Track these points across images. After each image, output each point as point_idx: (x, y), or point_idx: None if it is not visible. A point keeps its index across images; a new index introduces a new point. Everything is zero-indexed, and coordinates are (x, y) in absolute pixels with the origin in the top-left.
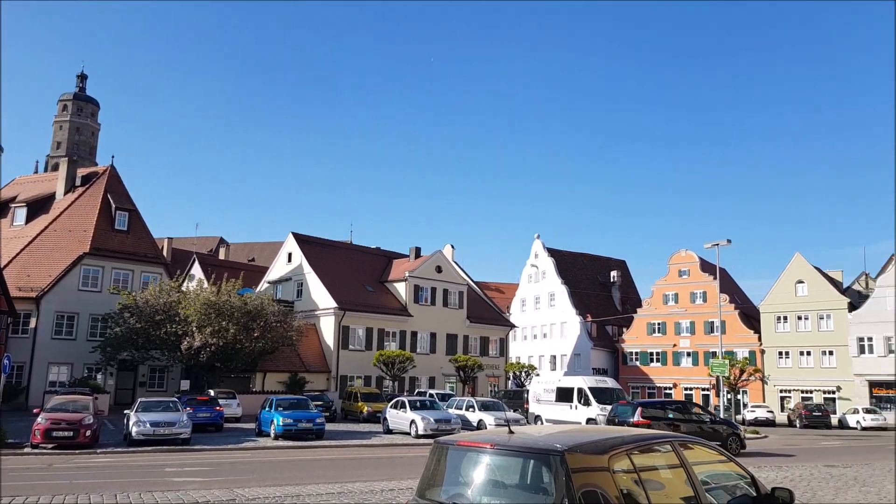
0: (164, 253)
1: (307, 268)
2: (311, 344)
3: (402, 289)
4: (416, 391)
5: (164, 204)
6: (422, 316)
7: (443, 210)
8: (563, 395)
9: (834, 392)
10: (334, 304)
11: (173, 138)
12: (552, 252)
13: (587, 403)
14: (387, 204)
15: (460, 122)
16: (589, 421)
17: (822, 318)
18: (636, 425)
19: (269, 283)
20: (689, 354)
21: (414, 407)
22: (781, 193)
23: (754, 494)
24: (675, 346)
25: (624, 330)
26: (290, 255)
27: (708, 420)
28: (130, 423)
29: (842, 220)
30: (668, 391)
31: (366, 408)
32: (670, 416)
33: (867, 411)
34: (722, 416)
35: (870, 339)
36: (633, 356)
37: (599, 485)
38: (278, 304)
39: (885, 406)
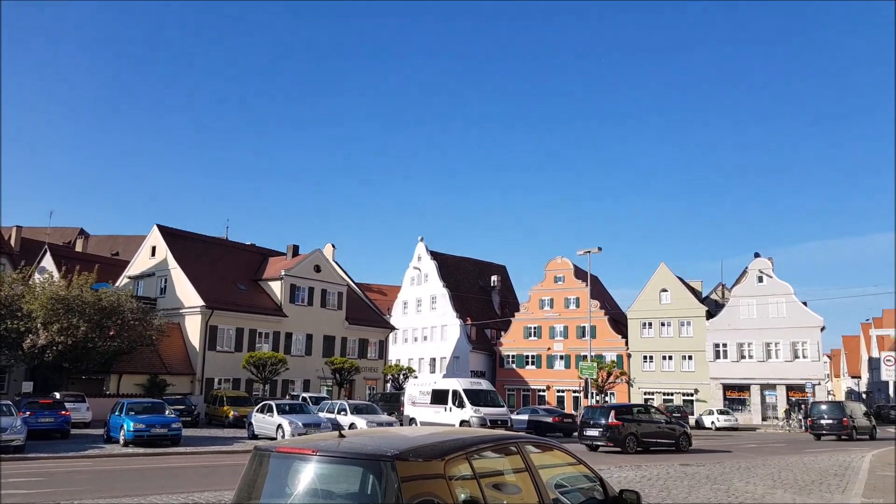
0: (12, 242)
1: (172, 263)
2: (174, 344)
3: (277, 288)
4: (289, 394)
5: (14, 189)
6: (298, 316)
7: (326, 210)
8: (438, 397)
9: (692, 394)
10: (201, 303)
11: (25, 118)
12: (435, 255)
13: (461, 405)
14: (266, 201)
15: (343, 120)
16: (462, 423)
17: (682, 324)
18: (611, 426)
19: (129, 278)
20: (562, 358)
21: (282, 411)
22: (651, 208)
23: (602, 497)
24: (549, 349)
25: (502, 333)
26: (154, 248)
27: (664, 421)
28: None
29: (704, 236)
30: (541, 393)
31: (232, 412)
32: (635, 416)
33: (721, 412)
34: None
35: (724, 344)
36: (510, 359)
37: (434, 493)
38: (138, 301)
39: (737, 408)
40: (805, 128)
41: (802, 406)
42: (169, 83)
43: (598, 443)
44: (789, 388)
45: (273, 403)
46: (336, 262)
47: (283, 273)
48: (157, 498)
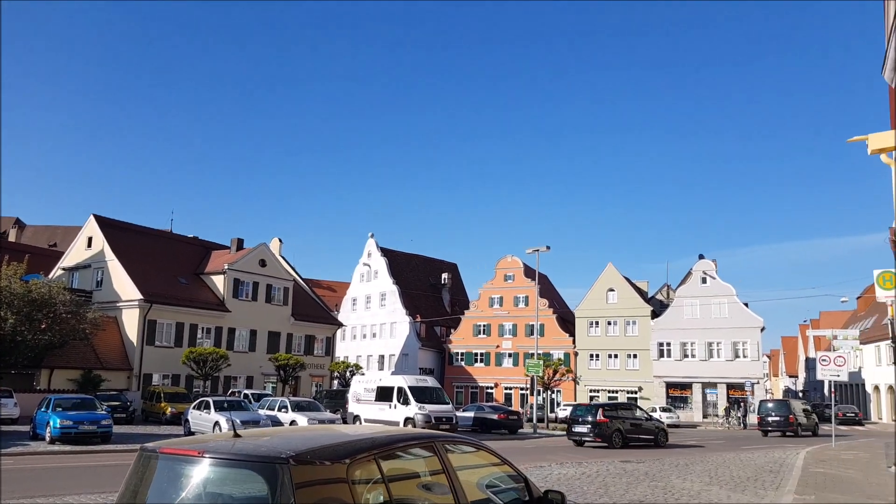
0: None
1: (109, 254)
2: (110, 339)
3: (220, 282)
4: (230, 391)
5: None
6: (241, 311)
7: (276, 204)
8: (383, 394)
9: (636, 392)
10: (139, 296)
11: None
12: (385, 252)
13: (406, 402)
14: (214, 195)
15: (294, 113)
16: (407, 420)
17: (628, 323)
18: (599, 423)
19: (63, 269)
20: (510, 355)
21: (220, 408)
22: (600, 210)
23: (526, 499)
24: (498, 347)
25: (452, 331)
26: (90, 239)
27: (644, 418)
28: None
29: (651, 238)
30: (489, 391)
31: (169, 409)
32: (620, 414)
33: (663, 410)
34: (535, 414)
35: (668, 344)
36: (459, 356)
37: (335, 498)
38: (71, 294)
39: (679, 405)
40: (747, 138)
41: (741, 404)
42: (111, 69)
43: (586, 439)
44: (730, 386)
45: (210, 400)
46: (283, 257)
47: (226, 267)
48: (73, 498)
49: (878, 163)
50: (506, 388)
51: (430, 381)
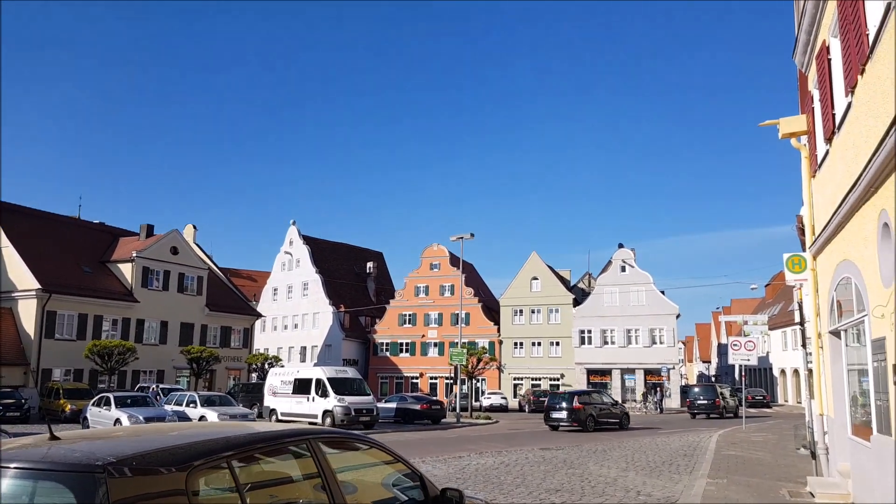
0: None
1: (4, 241)
2: (4, 332)
3: (127, 270)
4: (138, 386)
5: None
6: (151, 302)
7: (193, 190)
8: (301, 386)
9: (559, 379)
10: (37, 286)
11: None
12: (308, 240)
13: (325, 395)
14: (123, 180)
15: (211, 97)
16: (326, 413)
17: (551, 311)
18: (575, 409)
19: None
20: (436, 345)
21: (121, 403)
22: (524, 200)
23: (422, 499)
24: (423, 336)
25: (377, 321)
26: None
27: (611, 403)
28: None
29: (575, 229)
30: (414, 381)
31: (69, 406)
32: (592, 400)
33: None
34: (458, 403)
35: (589, 331)
36: (384, 347)
37: None
38: None
39: (601, 391)
40: (664, 131)
41: (658, 389)
42: (22, 48)
43: (563, 424)
44: (647, 372)
45: (111, 396)
46: (198, 245)
47: (134, 254)
48: None
49: (789, 154)
50: (431, 378)
51: (350, 372)
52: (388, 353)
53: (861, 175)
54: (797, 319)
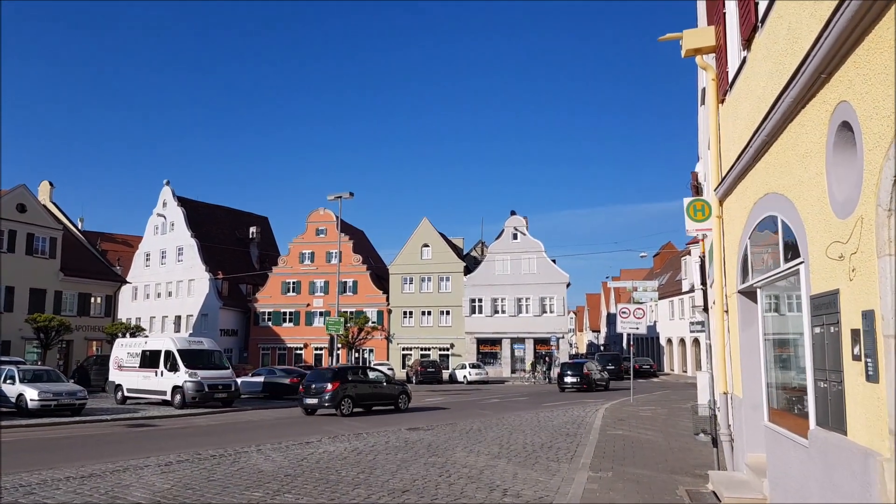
0: None
1: None
2: None
3: None
4: None
5: None
6: None
7: (52, 145)
8: (149, 359)
9: (448, 349)
10: None
11: None
12: (183, 201)
13: (175, 368)
14: None
15: (81, 45)
16: (175, 389)
17: (442, 280)
18: (585, 375)
19: None
20: (321, 314)
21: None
22: (420, 166)
23: None
24: (308, 305)
25: (259, 289)
26: None
27: (598, 369)
28: None
29: (469, 200)
30: (298, 351)
31: None
32: (595, 366)
33: (473, 366)
34: None
35: (480, 300)
36: (266, 316)
37: None
38: None
39: (489, 361)
40: (559, 110)
41: (546, 359)
42: None
43: (575, 387)
44: (537, 341)
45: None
46: (55, 204)
47: None
48: None
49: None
50: (316, 349)
51: (206, 343)
52: (270, 323)
53: (804, 63)
54: (685, 289)
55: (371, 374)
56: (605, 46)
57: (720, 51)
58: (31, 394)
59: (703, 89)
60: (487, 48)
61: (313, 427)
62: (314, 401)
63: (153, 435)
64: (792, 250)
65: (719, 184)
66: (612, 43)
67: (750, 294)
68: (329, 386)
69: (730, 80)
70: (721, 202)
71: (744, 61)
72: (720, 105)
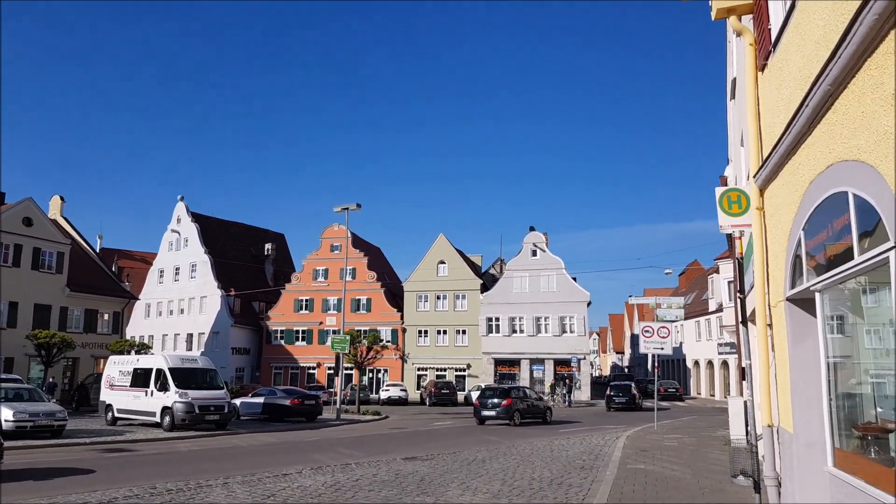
0: None
1: None
2: None
3: None
4: None
5: None
6: None
7: (66, 160)
8: (140, 378)
9: (465, 369)
10: None
11: None
12: (197, 217)
13: (165, 388)
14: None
15: (97, 61)
16: (164, 410)
17: (458, 297)
18: (632, 393)
19: None
20: (335, 332)
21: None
22: (438, 188)
23: None
24: (321, 323)
25: (272, 306)
26: None
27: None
28: None
29: (490, 222)
30: (311, 371)
31: None
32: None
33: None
34: (339, 393)
35: (497, 319)
36: (279, 334)
37: None
38: None
39: (507, 382)
40: (579, 130)
41: (567, 381)
42: None
43: (623, 407)
44: (557, 362)
45: None
46: (66, 218)
47: None
48: None
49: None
50: (329, 369)
51: (200, 362)
52: (282, 342)
53: None
54: (712, 308)
55: (529, 393)
56: (626, 63)
57: (759, 9)
58: (6, 414)
59: (734, 80)
60: (514, 61)
61: (301, 454)
62: (491, 413)
63: (121, 462)
64: (872, 235)
65: (760, 168)
66: (635, 58)
67: (802, 302)
68: (504, 402)
69: (773, 38)
70: (762, 191)
71: (792, 6)
72: (759, 75)
